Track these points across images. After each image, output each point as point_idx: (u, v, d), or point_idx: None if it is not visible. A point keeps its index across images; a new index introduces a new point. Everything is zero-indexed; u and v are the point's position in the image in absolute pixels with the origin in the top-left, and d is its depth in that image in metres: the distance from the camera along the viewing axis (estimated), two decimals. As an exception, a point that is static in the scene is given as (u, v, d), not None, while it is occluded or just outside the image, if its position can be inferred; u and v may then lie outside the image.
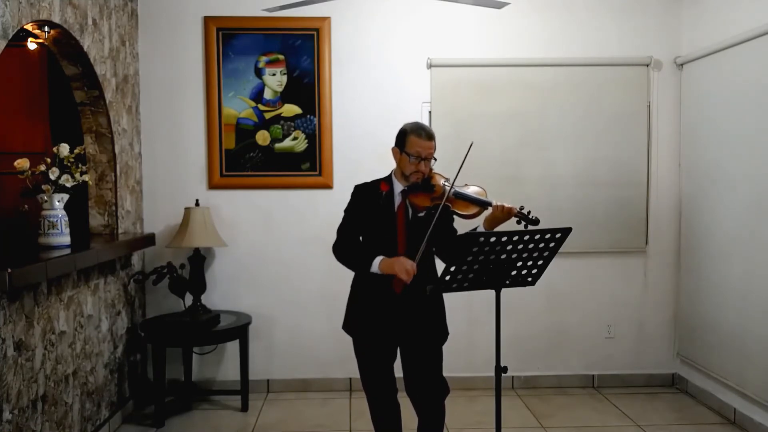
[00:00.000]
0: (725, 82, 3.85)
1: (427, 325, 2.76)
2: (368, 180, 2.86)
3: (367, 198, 2.77)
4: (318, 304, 4.38)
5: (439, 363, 2.80)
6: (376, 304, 2.74)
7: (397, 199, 2.75)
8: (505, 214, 2.60)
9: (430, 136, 2.69)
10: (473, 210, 2.68)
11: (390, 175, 2.81)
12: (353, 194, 2.83)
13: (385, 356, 2.79)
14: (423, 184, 2.71)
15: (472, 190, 2.74)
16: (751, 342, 3.61)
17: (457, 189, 2.70)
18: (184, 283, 4.05)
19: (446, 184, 2.72)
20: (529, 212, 2.62)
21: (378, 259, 2.63)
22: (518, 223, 2.64)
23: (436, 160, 2.74)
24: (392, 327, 2.73)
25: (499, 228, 2.58)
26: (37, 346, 2.87)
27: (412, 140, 2.67)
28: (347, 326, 2.87)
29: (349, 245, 2.77)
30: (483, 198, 2.70)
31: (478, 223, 2.70)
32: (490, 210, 2.65)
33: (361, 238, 2.82)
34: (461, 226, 2.82)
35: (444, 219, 2.72)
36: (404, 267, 2.55)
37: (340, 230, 2.82)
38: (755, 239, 3.58)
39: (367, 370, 2.82)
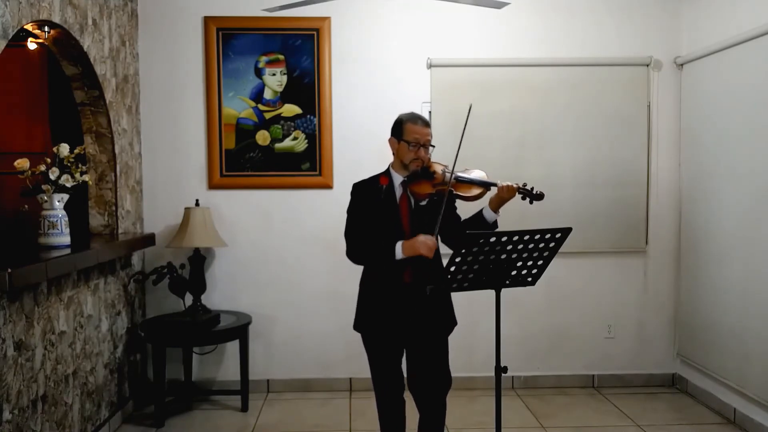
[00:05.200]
0: (725, 82, 3.85)
1: (435, 315, 2.77)
2: (363, 179, 2.87)
3: (368, 194, 2.78)
4: (318, 303, 4.37)
5: (445, 355, 2.82)
6: (384, 300, 2.75)
7: (398, 191, 2.77)
8: (510, 192, 2.65)
9: (426, 123, 2.74)
10: (476, 191, 2.71)
11: (388, 169, 2.82)
12: (353, 193, 2.83)
13: (394, 351, 2.81)
14: (422, 172, 2.73)
15: (472, 173, 2.78)
16: (751, 342, 3.61)
17: (458, 173, 2.72)
18: (184, 283, 4.04)
19: (446, 170, 2.74)
20: (532, 188, 2.68)
21: (399, 245, 2.64)
22: (523, 198, 2.70)
23: (434, 147, 2.76)
24: (401, 321, 2.74)
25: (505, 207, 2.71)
26: (37, 346, 2.87)
27: (410, 128, 2.70)
28: (357, 324, 2.87)
29: (365, 244, 2.76)
30: (485, 179, 2.73)
31: (484, 203, 2.72)
32: (493, 190, 2.68)
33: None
34: (468, 209, 2.82)
35: (450, 203, 2.73)
36: (426, 244, 2.58)
37: (349, 234, 2.79)
38: (755, 239, 3.58)
39: (376, 365, 2.83)
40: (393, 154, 2.79)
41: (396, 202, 2.76)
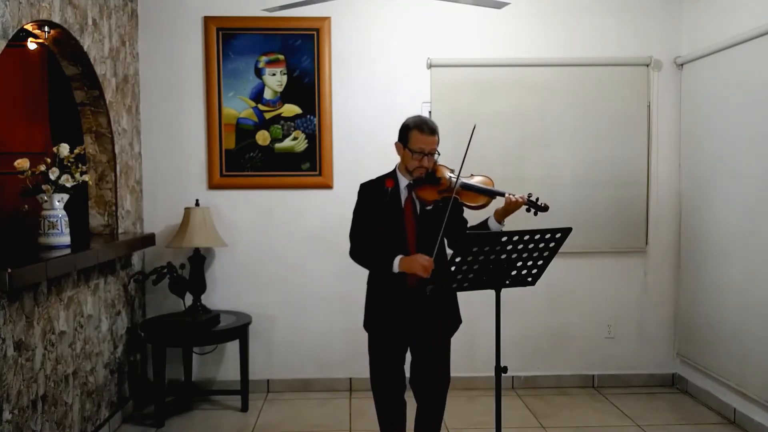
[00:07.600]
0: (725, 82, 3.85)
1: (440, 315, 2.78)
2: (370, 179, 2.86)
3: (374, 195, 2.77)
4: (318, 303, 4.37)
5: (447, 354, 2.84)
6: (391, 300, 2.75)
7: (404, 194, 2.76)
8: (517, 205, 2.64)
9: (432, 131, 2.69)
10: (482, 201, 2.69)
11: (394, 170, 2.81)
12: (359, 193, 2.83)
13: (398, 352, 2.82)
14: (428, 177, 2.70)
15: (477, 180, 2.75)
16: (751, 342, 3.61)
17: (464, 180, 2.70)
18: (184, 283, 4.04)
19: (452, 176, 2.72)
20: (537, 199, 2.67)
21: (397, 260, 2.64)
22: (528, 210, 2.68)
23: (440, 154, 2.74)
24: (407, 322, 2.75)
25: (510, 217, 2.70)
26: (37, 346, 2.87)
27: (415, 136, 2.67)
28: (367, 323, 2.88)
29: (367, 249, 2.77)
30: (491, 188, 2.72)
31: (489, 213, 2.71)
32: (499, 200, 2.67)
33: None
34: (472, 216, 2.83)
35: (455, 211, 2.73)
36: (422, 264, 2.58)
37: (353, 235, 2.81)
38: (755, 239, 3.58)
39: (380, 365, 2.84)
40: (399, 157, 2.78)
41: (401, 205, 2.75)
